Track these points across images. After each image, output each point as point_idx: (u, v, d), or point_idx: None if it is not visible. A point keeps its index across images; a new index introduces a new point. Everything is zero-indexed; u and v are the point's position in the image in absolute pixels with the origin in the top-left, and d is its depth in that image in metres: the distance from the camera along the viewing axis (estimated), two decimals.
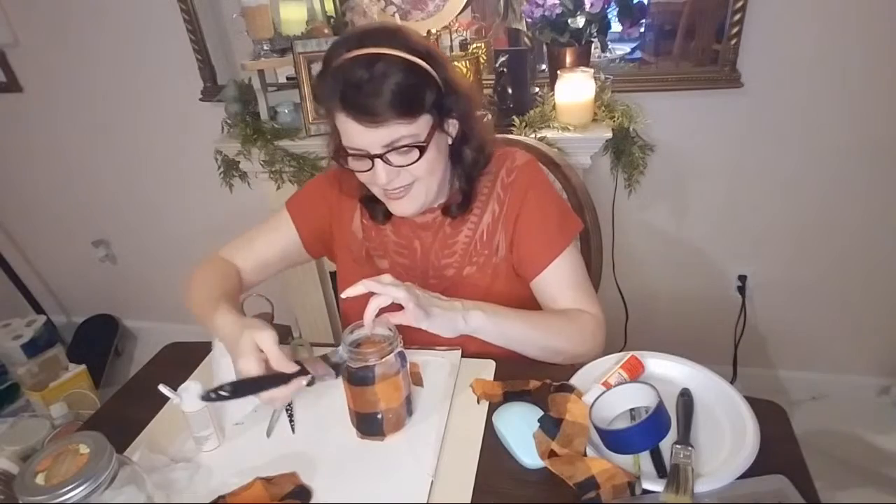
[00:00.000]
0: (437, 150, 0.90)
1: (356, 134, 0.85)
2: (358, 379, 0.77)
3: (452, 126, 0.93)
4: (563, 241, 0.99)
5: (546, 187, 1.03)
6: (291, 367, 0.76)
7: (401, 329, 0.81)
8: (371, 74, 0.82)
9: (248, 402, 0.87)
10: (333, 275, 1.83)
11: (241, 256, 1.06)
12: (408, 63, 0.84)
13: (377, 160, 0.86)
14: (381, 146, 0.85)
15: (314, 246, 1.10)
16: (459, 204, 0.99)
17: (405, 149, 0.86)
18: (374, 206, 1.02)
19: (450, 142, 0.94)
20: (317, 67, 1.52)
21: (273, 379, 0.75)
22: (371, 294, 0.79)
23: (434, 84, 0.87)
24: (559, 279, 0.99)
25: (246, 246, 1.07)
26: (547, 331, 0.93)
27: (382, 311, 0.80)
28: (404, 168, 0.88)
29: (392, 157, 0.86)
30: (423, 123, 0.86)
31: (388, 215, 1.02)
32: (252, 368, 0.74)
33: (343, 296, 0.81)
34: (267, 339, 0.75)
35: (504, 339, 0.91)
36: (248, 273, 1.06)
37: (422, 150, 0.87)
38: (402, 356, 0.80)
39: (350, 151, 0.89)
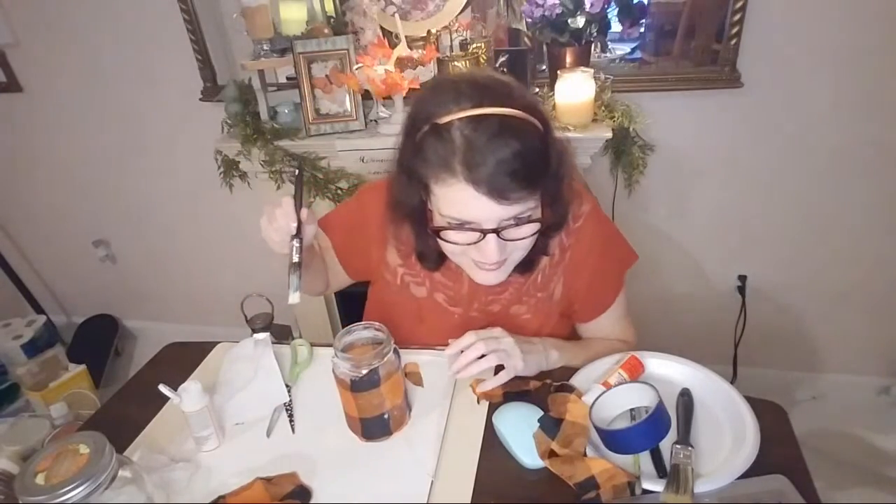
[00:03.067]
0: None
1: (478, 208, 0.74)
2: (365, 384, 0.76)
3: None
4: (619, 286, 0.98)
5: (612, 235, 0.98)
6: (292, 217, 0.82)
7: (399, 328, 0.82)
8: (506, 143, 0.71)
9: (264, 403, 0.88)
10: None
11: None
12: (533, 128, 0.75)
13: (490, 235, 0.76)
14: (500, 220, 0.76)
15: (351, 266, 1.06)
16: (526, 262, 0.89)
17: (519, 222, 0.77)
18: (426, 256, 0.93)
19: None
20: (317, 67, 1.52)
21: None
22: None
23: (550, 149, 0.77)
24: (609, 320, 0.99)
25: None
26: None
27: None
28: (513, 242, 0.79)
29: (507, 231, 0.77)
30: (538, 193, 0.78)
31: (439, 263, 0.93)
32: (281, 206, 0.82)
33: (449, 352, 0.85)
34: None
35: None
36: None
37: (538, 223, 0.79)
38: (396, 352, 0.80)
39: (452, 222, 0.77)
